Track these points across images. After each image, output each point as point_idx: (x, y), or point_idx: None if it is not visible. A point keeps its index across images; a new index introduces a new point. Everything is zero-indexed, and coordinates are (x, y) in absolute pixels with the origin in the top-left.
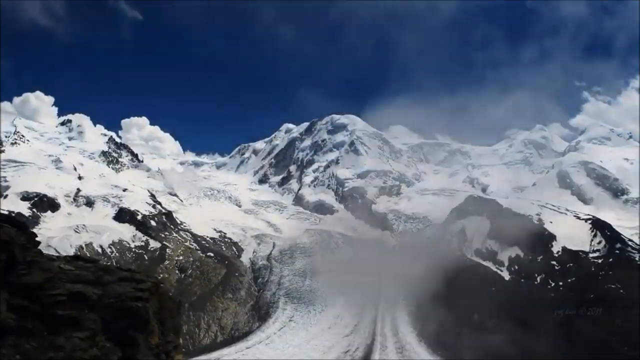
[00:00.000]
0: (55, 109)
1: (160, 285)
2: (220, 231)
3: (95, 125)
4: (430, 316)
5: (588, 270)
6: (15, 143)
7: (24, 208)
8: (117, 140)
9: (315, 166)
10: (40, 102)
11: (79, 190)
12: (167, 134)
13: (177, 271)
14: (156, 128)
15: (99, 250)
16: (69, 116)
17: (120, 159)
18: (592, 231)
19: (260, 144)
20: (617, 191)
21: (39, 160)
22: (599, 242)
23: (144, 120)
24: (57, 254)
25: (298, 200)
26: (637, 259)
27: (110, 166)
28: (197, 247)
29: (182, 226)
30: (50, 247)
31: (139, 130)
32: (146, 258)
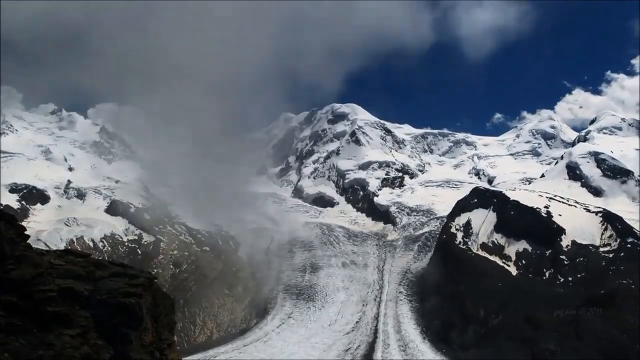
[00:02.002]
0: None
1: (154, 281)
2: (216, 225)
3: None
4: (435, 313)
5: (598, 264)
6: (3, 133)
7: (12, 200)
8: (110, 130)
9: (315, 157)
10: (9, 98)
11: (69, 181)
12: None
13: (171, 266)
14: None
15: (91, 244)
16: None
17: (112, 150)
18: (603, 224)
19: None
20: (628, 183)
21: (28, 150)
22: (610, 236)
23: (114, 106)
24: (47, 248)
25: (297, 192)
26: None
27: (102, 157)
28: (193, 241)
29: (176, 219)
30: (39, 241)
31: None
32: (139, 252)
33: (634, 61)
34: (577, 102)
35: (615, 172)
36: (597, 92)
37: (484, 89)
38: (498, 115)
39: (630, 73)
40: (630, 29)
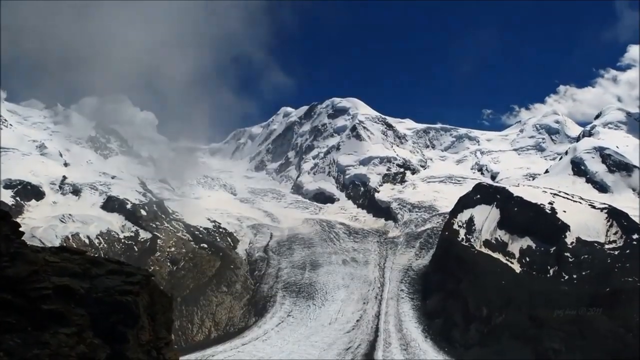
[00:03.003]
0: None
1: (151, 279)
2: (214, 221)
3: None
4: (437, 311)
5: (603, 262)
6: None
7: (6, 196)
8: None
9: (314, 152)
10: None
11: (65, 177)
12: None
13: (169, 263)
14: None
15: (86, 241)
16: None
17: (108, 145)
18: (608, 221)
19: (256, 129)
20: (634, 178)
21: (23, 145)
22: (615, 233)
23: (97, 99)
24: (42, 245)
25: (297, 188)
26: None
27: (98, 152)
28: (190, 238)
29: (174, 216)
30: (34, 237)
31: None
32: (136, 249)
33: (619, 63)
34: (566, 97)
35: (621, 167)
36: (586, 86)
37: (473, 85)
38: (489, 110)
39: (621, 68)
40: (619, 25)
